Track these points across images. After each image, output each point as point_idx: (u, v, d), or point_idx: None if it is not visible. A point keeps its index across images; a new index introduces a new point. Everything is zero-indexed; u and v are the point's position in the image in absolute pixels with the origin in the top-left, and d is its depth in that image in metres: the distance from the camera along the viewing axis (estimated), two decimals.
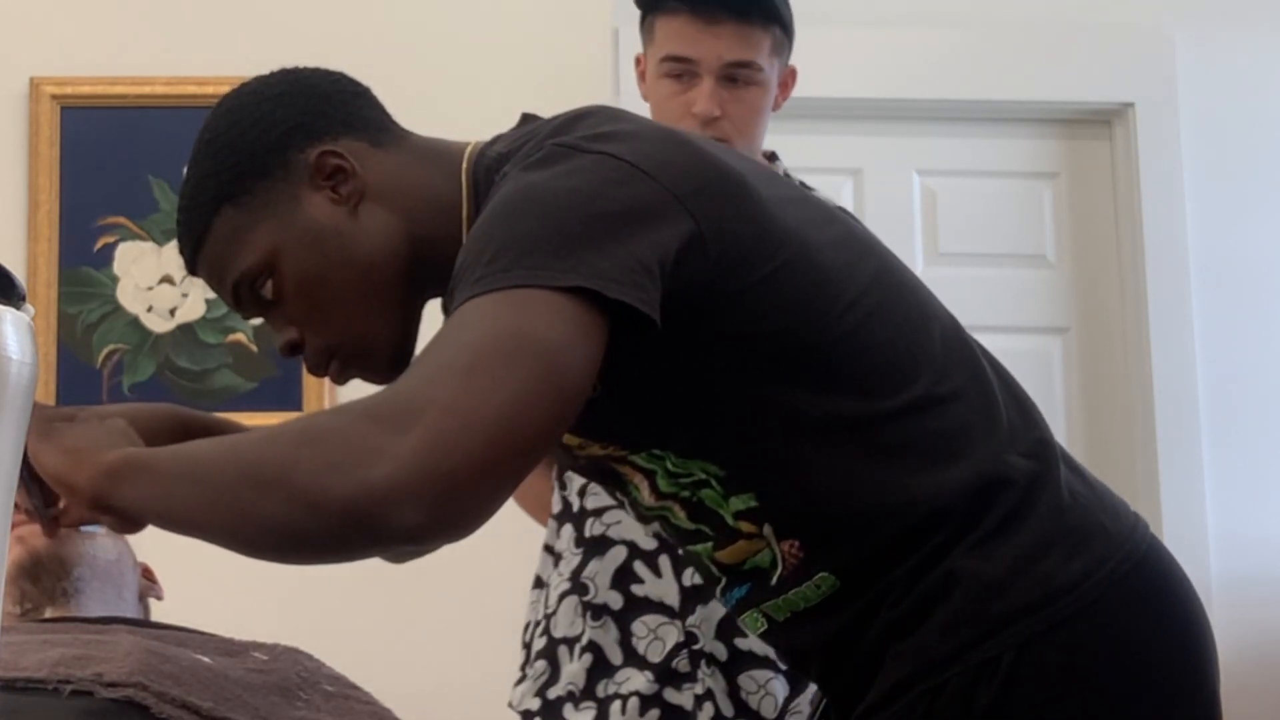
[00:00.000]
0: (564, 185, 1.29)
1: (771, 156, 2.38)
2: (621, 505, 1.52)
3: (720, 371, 1.35)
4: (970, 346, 1.46)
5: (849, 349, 1.37)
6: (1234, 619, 3.43)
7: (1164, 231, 3.69)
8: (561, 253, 1.24)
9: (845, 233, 1.44)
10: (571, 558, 2.27)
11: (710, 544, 1.44)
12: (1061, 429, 3.67)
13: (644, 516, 1.49)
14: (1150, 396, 3.64)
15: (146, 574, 2.01)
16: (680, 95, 2.23)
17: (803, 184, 2.37)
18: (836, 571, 1.39)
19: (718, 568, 1.46)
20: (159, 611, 2.01)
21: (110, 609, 1.86)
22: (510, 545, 2.94)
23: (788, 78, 2.32)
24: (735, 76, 2.21)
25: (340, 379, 1.50)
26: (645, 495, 1.45)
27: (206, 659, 1.62)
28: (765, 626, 1.46)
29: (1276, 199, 3.77)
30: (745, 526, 1.41)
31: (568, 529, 2.30)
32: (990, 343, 1.57)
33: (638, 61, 2.33)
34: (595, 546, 2.24)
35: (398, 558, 1.67)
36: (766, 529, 1.40)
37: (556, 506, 2.35)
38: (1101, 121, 3.80)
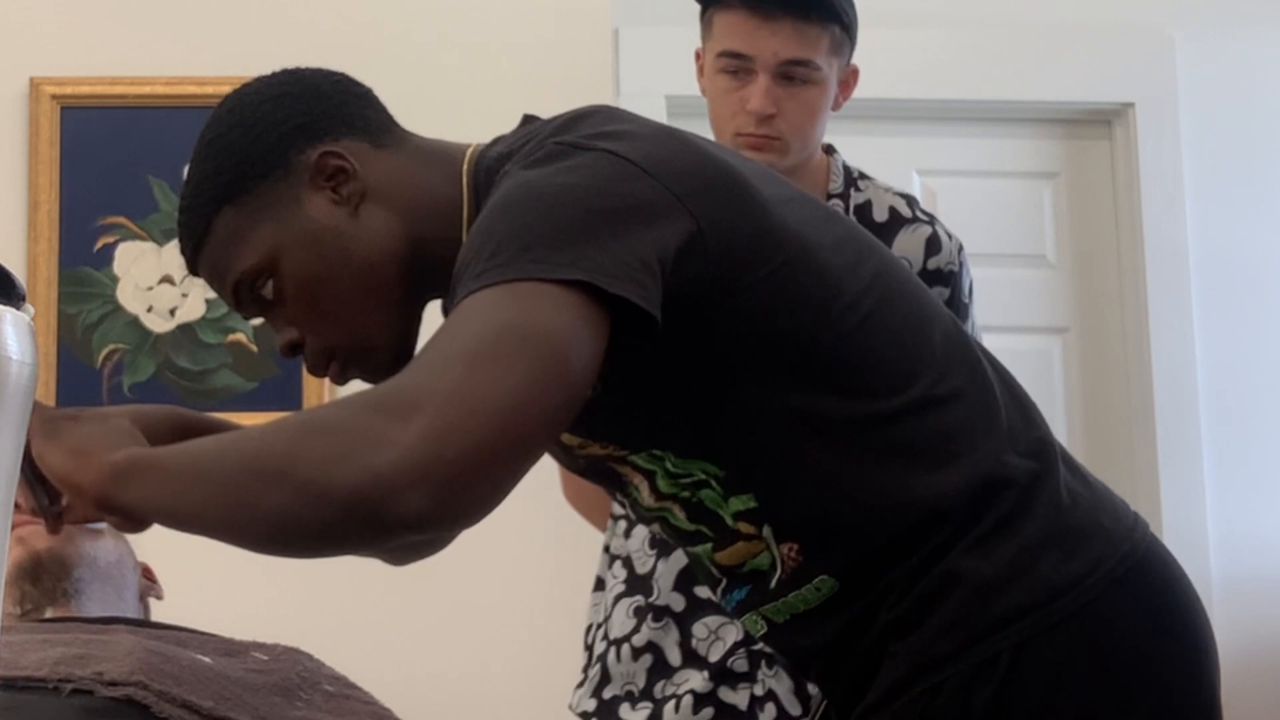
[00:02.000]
0: (565, 181, 1.30)
1: (829, 149, 2.36)
2: (624, 506, 1.52)
3: (720, 371, 1.35)
4: (970, 347, 1.46)
5: (849, 349, 1.37)
6: (1234, 619, 3.43)
7: (1164, 231, 3.69)
8: (562, 247, 1.24)
9: (846, 233, 1.44)
10: (646, 559, 2.25)
11: (710, 545, 1.44)
12: (1061, 429, 3.67)
13: (644, 518, 1.49)
14: (1150, 396, 3.64)
15: (147, 574, 2.01)
16: (736, 91, 2.21)
17: (861, 174, 2.37)
18: (836, 573, 1.39)
19: (717, 569, 1.46)
20: (159, 611, 2.01)
21: (110, 609, 1.86)
22: (512, 544, 2.95)
23: (849, 77, 2.31)
24: (792, 75, 2.20)
25: (340, 379, 1.50)
26: (645, 496, 1.45)
27: (207, 659, 1.62)
28: (765, 629, 1.46)
29: (1276, 199, 3.77)
30: (745, 528, 1.41)
31: (639, 530, 2.29)
32: (990, 343, 1.57)
33: (697, 56, 2.31)
34: (665, 548, 2.24)
35: (399, 560, 1.68)
36: (766, 530, 1.40)
37: (619, 509, 2.34)
38: (1101, 121, 3.80)
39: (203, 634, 1.77)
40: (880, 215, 2.29)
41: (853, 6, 2.27)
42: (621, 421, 1.40)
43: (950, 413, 1.39)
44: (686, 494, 1.42)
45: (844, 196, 2.30)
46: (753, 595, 1.44)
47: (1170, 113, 3.73)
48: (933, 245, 2.29)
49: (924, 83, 3.68)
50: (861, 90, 3.04)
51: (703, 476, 1.40)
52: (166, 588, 2.04)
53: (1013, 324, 3.68)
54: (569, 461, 1.50)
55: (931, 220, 2.33)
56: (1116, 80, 3.74)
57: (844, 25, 2.23)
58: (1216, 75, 3.77)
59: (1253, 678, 3.54)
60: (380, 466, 1.15)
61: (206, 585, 2.65)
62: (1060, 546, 1.36)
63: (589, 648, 2.32)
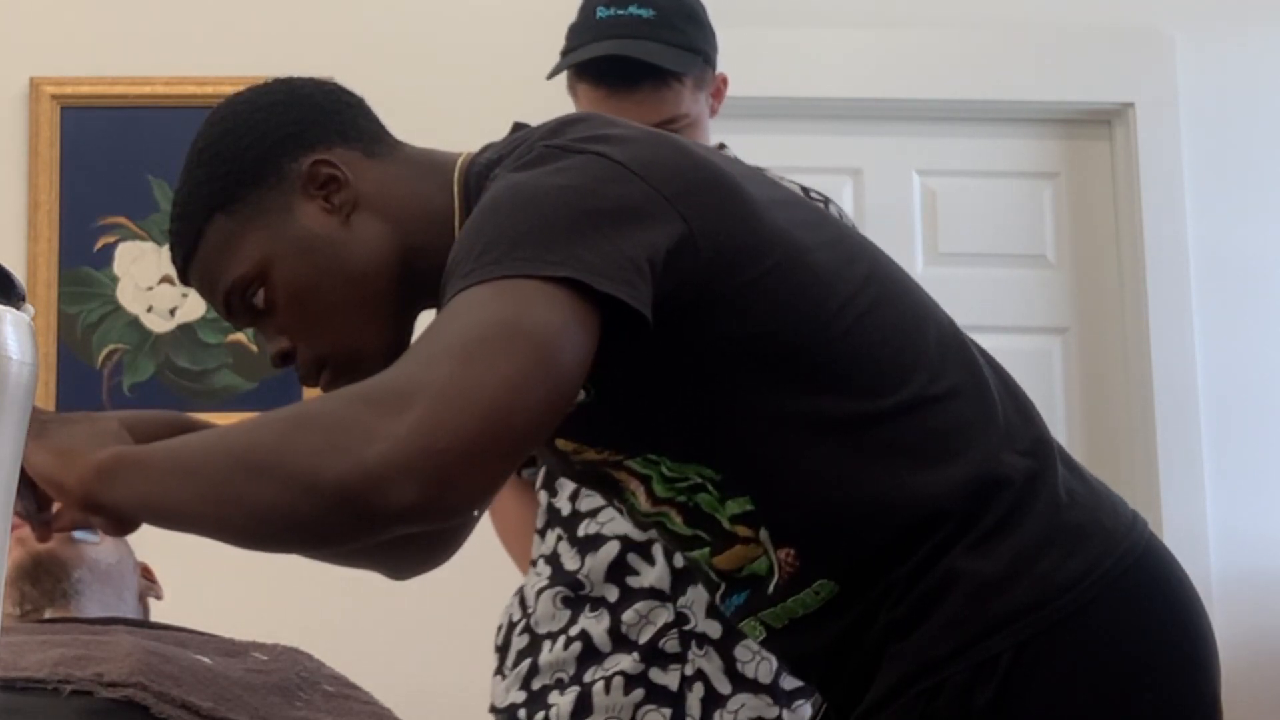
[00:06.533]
0: (554, 183, 1.30)
1: (720, 147, 2.37)
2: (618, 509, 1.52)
3: (713, 373, 1.35)
4: (967, 346, 1.46)
5: (842, 350, 1.37)
6: (1234, 617, 3.43)
7: (1164, 231, 3.69)
8: (552, 246, 1.25)
9: (837, 235, 1.44)
10: (573, 559, 2.26)
11: (707, 550, 1.44)
12: (1061, 429, 3.67)
13: (641, 523, 1.49)
14: (1150, 396, 3.64)
15: (146, 574, 2.01)
16: None
17: (756, 167, 2.37)
18: (834, 576, 1.39)
19: (716, 574, 1.46)
20: (159, 611, 2.01)
21: (110, 610, 1.86)
22: None
23: (720, 86, 2.29)
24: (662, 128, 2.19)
25: (331, 389, 1.48)
26: (642, 501, 1.45)
27: (206, 659, 1.62)
28: (764, 634, 1.46)
29: (1276, 199, 3.77)
30: (742, 531, 1.40)
31: (564, 538, 2.29)
32: (990, 343, 1.57)
33: (569, 86, 2.29)
34: (590, 544, 2.24)
35: (399, 572, 1.68)
36: (763, 533, 1.40)
37: (541, 520, 2.34)
38: (1101, 121, 3.80)
39: (202, 634, 1.77)
40: None
41: (706, 29, 2.23)
42: (616, 426, 1.40)
43: (946, 411, 1.39)
44: (683, 498, 1.42)
45: None
46: (751, 600, 1.44)
47: (1170, 113, 3.73)
48: None
49: (924, 83, 3.68)
50: (861, 90, 3.09)
51: (699, 480, 1.39)
52: (166, 588, 2.05)
53: (1013, 324, 3.69)
54: (564, 468, 1.50)
55: (825, 200, 2.33)
56: (1116, 80, 3.74)
57: (704, 58, 2.21)
58: (1216, 75, 3.77)
59: (1253, 676, 3.53)
60: (371, 458, 1.15)
61: (206, 585, 2.65)
62: (1059, 546, 1.36)
63: (502, 648, 2.32)
